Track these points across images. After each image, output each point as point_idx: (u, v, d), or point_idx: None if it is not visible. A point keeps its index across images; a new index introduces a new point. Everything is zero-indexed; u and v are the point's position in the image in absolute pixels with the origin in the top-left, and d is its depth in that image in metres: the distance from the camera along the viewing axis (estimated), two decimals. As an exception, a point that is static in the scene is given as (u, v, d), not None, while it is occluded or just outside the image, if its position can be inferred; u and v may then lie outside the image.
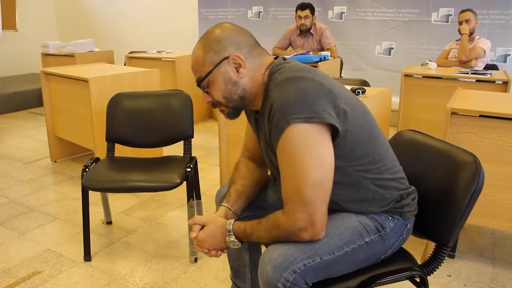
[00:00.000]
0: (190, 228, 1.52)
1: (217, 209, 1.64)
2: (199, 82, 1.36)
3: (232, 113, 1.41)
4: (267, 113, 1.28)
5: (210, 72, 1.33)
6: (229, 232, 1.36)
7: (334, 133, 1.25)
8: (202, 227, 1.43)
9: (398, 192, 1.40)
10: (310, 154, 1.20)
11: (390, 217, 1.40)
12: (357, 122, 1.29)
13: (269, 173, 1.67)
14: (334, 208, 1.36)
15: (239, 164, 1.63)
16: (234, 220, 1.39)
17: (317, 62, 4.10)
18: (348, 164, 1.30)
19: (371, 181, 1.35)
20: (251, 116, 1.51)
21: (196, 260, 2.37)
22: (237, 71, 1.33)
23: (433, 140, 1.60)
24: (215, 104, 1.40)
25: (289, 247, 1.25)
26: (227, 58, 1.32)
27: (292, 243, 1.25)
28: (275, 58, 1.39)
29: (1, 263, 2.36)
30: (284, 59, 1.39)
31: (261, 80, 1.35)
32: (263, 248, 1.59)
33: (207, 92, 1.38)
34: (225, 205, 1.50)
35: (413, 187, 1.47)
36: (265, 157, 1.47)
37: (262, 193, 1.63)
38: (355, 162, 1.31)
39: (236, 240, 1.36)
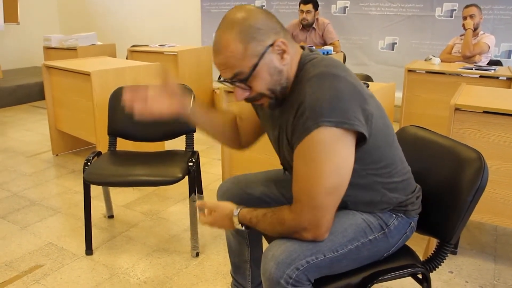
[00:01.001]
0: (197, 212, 1.49)
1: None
2: (243, 78, 1.21)
3: (274, 104, 1.30)
4: (294, 107, 1.21)
5: (256, 64, 1.20)
6: (235, 217, 1.36)
7: (360, 138, 1.22)
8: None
9: (405, 196, 1.39)
10: (332, 160, 1.17)
11: (394, 215, 1.39)
12: (378, 125, 1.26)
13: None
14: (341, 207, 1.34)
15: (231, 113, 1.60)
16: (241, 208, 1.36)
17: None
18: (362, 168, 1.27)
19: (381, 185, 1.34)
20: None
21: (197, 254, 2.37)
22: (282, 58, 1.23)
23: (437, 136, 1.59)
24: (253, 98, 1.28)
25: (292, 243, 1.24)
26: (271, 45, 1.20)
27: (296, 240, 1.25)
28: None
29: (3, 257, 2.37)
30: (310, 50, 1.32)
31: (295, 68, 1.27)
32: (264, 245, 1.59)
33: (243, 87, 1.25)
34: (192, 97, 1.47)
35: (418, 186, 1.46)
36: (277, 147, 1.42)
37: (265, 187, 1.62)
38: (370, 166, 1.29)
39: (242, 227, 1.36)
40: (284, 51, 1.22)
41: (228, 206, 1.39)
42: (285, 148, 1.33)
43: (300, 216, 1.21)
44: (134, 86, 1.38)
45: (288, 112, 1.26)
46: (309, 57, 1.27)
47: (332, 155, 1.16)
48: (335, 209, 1.23)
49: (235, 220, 1.35)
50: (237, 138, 1.59)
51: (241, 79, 1.22)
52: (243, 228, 1.36)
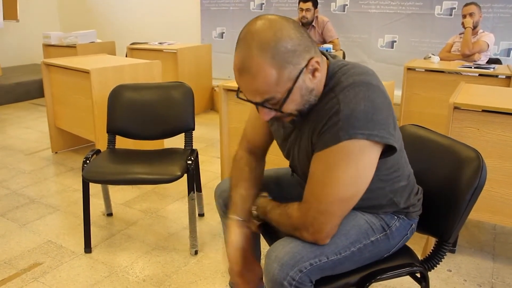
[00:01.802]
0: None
1: (217, 205, 1.63)
2: (277, 105, 1.16)
3: (297, 120, 1.27)
4: (327, 115, 1.16)
5: (291, 89, 1.13)
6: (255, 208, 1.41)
7: (387, 149, 1.20)
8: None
9: (408, 201, 1.39)
10: (354, 170, 1.15)
11: (396, 217, 1.39)
12: (397, 133, 1.25)
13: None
14: None
15: (240, 162, 1.53)
16: (263, 196, 1.42)
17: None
18: (376, 174, 1.24)
19: (389, 190, 1.34)
20: None
21: (196, 252, 2.37)
22: (313, 76, 1.16)
23: (436, 135, 1.59)
24: (279, 118, 1.23)
25: (296, 245, 1.24)
26: (305, 67, 1.14)
27: (299, 241, 1.24)
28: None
29: (2, 254, 2.37)
30: (333, 56, 1.28)
31: (324, 80, 1.21)
32: (263, 245, 1.59)
33: (274, 109, 1.18)
34: (235, 217, 1.42)
35: (420, 189, 1.47)
36: (289, 153, 1.39)
37: (263, 187, 1.61)
38: (383, 172, 1.29)
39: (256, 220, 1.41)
40: (316, 69, 1.16)
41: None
42: (301, 155, 1.30)
43: (305, 216, 1.21)
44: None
45: (314, 118, 1.21)
46: (338, 65, 1.23)
47: (354, 166, 1.15)
48: (342, 217, 1.23)
49: (255, 205, 1.41)
50: (262, 166, 1.57)
51: (272, 103, 1.16)
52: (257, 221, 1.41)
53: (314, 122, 1.21)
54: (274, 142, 1.53)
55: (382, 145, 1.18)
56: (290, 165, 1.51)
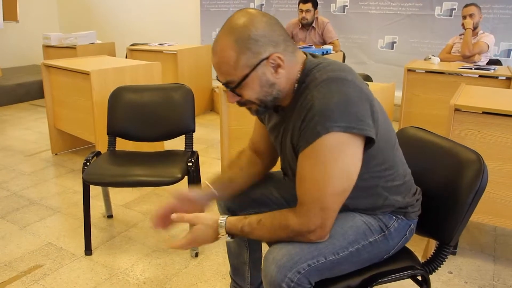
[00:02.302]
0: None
1: (218, 206, 1.63)
2: (233, 87, 1.23)
3: (261, 111, 1.31)
4: (302, 112, 1.20)
5: (247, 76, 1.20)
6: (221, 228, 1.31)
7: (367, 142, 1.22)
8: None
9: (406, 199, 1.39)
10: (341, 164, 1.17)
11: (394, 217, 1.39)
12: (382, 128, 1.26)
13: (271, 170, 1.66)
14: (341, 209, 1.34)
15: (242, 154, 1.60)
16: (226, 216, 1.33)
17: (319, 56, 4.07)
18: (366, 171, 1.27)
19: (383, 188, 1.34)
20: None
21: (197, 255, 2.37)
22: (276, 72, 1.22)
23: (437, 138, 1.59)
24: (243, 103, 1.30)
25: (293, 247, 1.24)
26: (266, 59, 1.20)
27: (297, 243, 1.25)
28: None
29: (2, 257, 2.37)
30: (314, 55, 1.31)
31: (295, 77, 1.26)
32: (264, 247, 1.59)
33: (236, 93, 1.26)
34: (209, 184, 1.48)
35: (418, 189, 1.46)
36: (279, 151, 1.43)
37: (265, 189, 1.62)
38: (373, 169, 1.30)
39: (229, 237, 1.32)
40: (278, 66, 1.22)
41: (210, 216, 1.34)
42: (288, 153, 1.33)
43: (307, 218, 1.21)
44: (156, 212, 1.43)
45: (294, 118, 1.25)
46: (314, 62, 1.26)
47: (341, 159, 1.17)
48: (338, 211, 1.24)
49: (222, 230, 1.31)
50: (261, 169, 1.59)
51: (231, 86, 1.24)
52: (229, 238, 1.32)
53: (293, 121, 1.26)
54: None
55: (362, 137, 1.19)
56: (281, 168, 1.53)
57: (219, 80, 1.27)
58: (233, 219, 1.32)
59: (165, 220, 1.45)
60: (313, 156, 1.18)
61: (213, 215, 1.36)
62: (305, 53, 1.32)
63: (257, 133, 1.58)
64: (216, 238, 1.33)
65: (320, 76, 1.21)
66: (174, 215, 1.36)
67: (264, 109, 1.29)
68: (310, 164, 1.19)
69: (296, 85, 1.27)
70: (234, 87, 1.23)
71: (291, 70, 1.25)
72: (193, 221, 1.35)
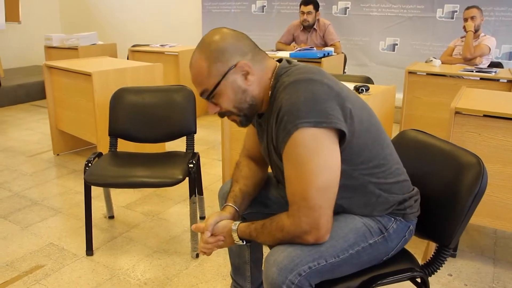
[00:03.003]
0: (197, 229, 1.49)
1: (220, 207, 1.64)
2: (208, 95, 1.31)
3: (244, 121, 1.37)
4: (274, 115, 1.26)
5: (218, 83, 1.29)
6: (234, 233, 1.37)
7: (341, 137, 1.24)
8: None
9: (402, 195, 1.40)
10: (317, 158, 1.19)
11: (393, 219, 1.40)
12: (362, 125, 1.29)
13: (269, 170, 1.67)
14: (338, 211, 1.36)
15: (240, 164, 1.62)
16: (239, 222, 1.38)
17: (320, 58, 4.09)
18: (353, 168, 1.29)
19: (375, 185, 1.35)
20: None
21: (197, 255, 2.38)
22: (246, 79, 1.30)
23: (437, 140, 1.59)
24: (223, 114, 1.36)
25: (294, 249, 1.25)
26: (234, 66, 1.28)
27: (298, 245, 1.25)
28: (279, 61, 1.38)
29: (4, 257, 2.38)
30: (289, 62, 1.37)
31: (267, 84, 1.33)
32: (265, 246, 1.60)
33: (214, 103, 1.34)
34: (232, 205, 1.49)
35: (416, 189, 1.47)
36: (268, 159, 1.46)
37: (265, 190, 1.63)
38: (360, 166, 1.31)
39: (241, 242, 1.38)
40: (247, 72, 1.29)
41: (225, 224, 1.41)
42: (274, 158, 1.37)
43: (297, 219, 1.22)
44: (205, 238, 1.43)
45: (269, 122, 1.32)
46: (285, 69, 1.32)
47: (316, 154, 1.19)
48: (331, 208, 1.24)
49: (235, 235, 1.37)
50: (263, 173, 1.62)
51: (206, 96, 1.31)
52: (244, 243, 1.38)
53: (270, 126, 1.32)
54: None
55: (333, 130, 1.21)
56: (274, 176, 1.57)
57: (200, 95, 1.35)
58: (242, 225, 1.37)
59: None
60: (290, 155, 1.22)
61: (227, 222, 1.42)
62: (278, 61, 1.38)
63: (250, 139, 1.62)
64: (233, 242, 1.40)
65: (288, 79, 1.26)
66: (193, 226, 1.49)
67: (245, 118, 1.36)
68: (289, 164, 1.23)
69: (270, 92, 1.32)
70: (208, 95, 1.31)
71: (261, 77, 1.32)
72: (215, 230, 1.42)
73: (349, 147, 1.26)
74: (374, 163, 1.33)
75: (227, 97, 1.31)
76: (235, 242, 1.39)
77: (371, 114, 1.36)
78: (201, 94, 1.32)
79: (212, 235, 1.41)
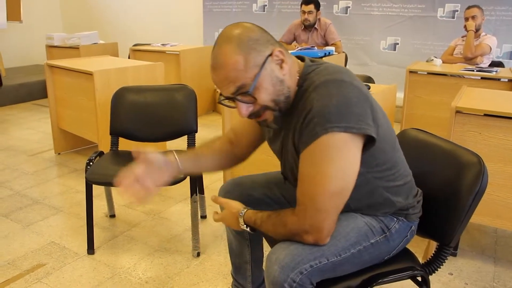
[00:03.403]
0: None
1: (220, 208, 1.64)
2: (248, 90, 1.20)
3: (278, 118, 1.30)
4: (302, 115, 1.21)
5: (258, 74, 1.20)
6: (241, 218, 1.39)
7: (368, 141, 1.23)
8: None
9: (406, 199, 1.40)
10: (338, 163, 1.18)
11: (395, 219, 1.40)
12: (383, 128, 1.27)
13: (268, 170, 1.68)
14: (344, 210, 1.35)
15: (217, 139, 1.60)
16: (247, 209, 1.40)
17: (321, 57, 4.09)
18: (367, 171, 1.28)
19: (384, 188, 1.35)
20: None
21: (198, 254, 2.38)
22: (281, 68, 1.24)
23: (437, 140, 1.59)
24: (258, 112, 1.26)
25: (296, 247, 1.25)
26: (270, 55, 1.22)
27: (300, 244, 1.25)
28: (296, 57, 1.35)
29: (6, 255, 2.38)
30: (311, 60, 1.33)
31: (296, 78, 1.28)
32: (265, 246, 1.60)
33: (246, 101, 1.23)
34: (175, 154, 1.46)
35: (420, 191, 1.48)
36: (280, 156, 1.43)
37: (266, 188, 1.63)
38: (375, 169, 1.30)
39: (246, 228, 1.39)
40: (282, 61, 1.24)
41: (236, 205, 1.44)
42: (290, 156, 1.34)
43: (302, 218, 1.22)
44: (121, 174, 1.37)
45: (294, 121, 1.26)
46: (312, 67, 1.28)
47: (338, 159, 1.18)
48: (338, 213, 1.24)
49: (241, 220, 1.39)
50: (231, 160, 1.60)
51: (245, 91, 1.21)
52: (248, 229, 1.38)
53: (294, 124, 1.27)
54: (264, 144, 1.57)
55: (361, 136, 1.20)
56: (282, 172, 1.54)
57: (226, 98, 1.26)
58: (250, 212, 1.38)
59: (128, 183, 1.36)
60: (311, 156, 1.20)
61: (238, 204, 1.45)
62: (303, 57, 1.34)
63: (242, 126, 1.58)
64: (238, 226, 1.41)
65: (318, 79, 1.22)
66: (212, 196, 1.53)
67: (279, 113, 1.28)
68: (308, 164, 1.21)
69: (296, 87, 1.28)
70: (248, 89, 1.21)
71: (292, 68, 1.27)
72: (223, 205, 1.49)
73: (369, 150, 1.25)
74: (387, 165, 1.33)
75: (266, 90, 1.22)
76: (240, 226, 1.40)
77: (385, 116, 1.33)
78: (235, 92, 1.22)
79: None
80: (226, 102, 1.29)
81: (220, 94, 1.28)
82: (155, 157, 1.38)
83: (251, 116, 1.27)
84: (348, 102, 1.17)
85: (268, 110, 1.26)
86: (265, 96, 1.23)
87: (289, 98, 1.27)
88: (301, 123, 1.22)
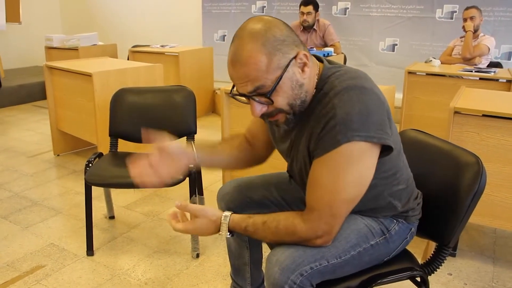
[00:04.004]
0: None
1: (219, 208, 1.64)
2: (267, 92, 1.17)
3: (291, 120, 1.26)
4: (322, 120, 1.18)
5: (281, 77, 1.16)
6: (224, 226, 1.30)
7: (384, 149, 1.22)
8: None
9: (407, 205, 1.41)
10: (356, 172, 1.18)
11: (395, 221, 1.41)
12: (394, 135, 1.27)
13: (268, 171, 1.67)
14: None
15: (236, 136, 1.58)
16: (230, 213, 1.31)
17: (320, 58, 4.08)
18: (375, 176, 1.26)
19: (388, 192, 1.35)
20: None
21: (198, 256, 2.38)
22: (303, 71, 1.20)
23: (436, 140, 1.60)
24: (271, 113, 1.23)
25: (296, 249, 1.25)
26: (294, 58, 1.18)
27: (300, 246, 1.25)
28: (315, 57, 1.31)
29: (5, 257, 2.38)
30: (329, 61, 1.31)
31: (314, 81, 1.25)
32: (264, 248, 1.60)
33: (262, 102, 1.20)
34: (193, 146, 1.42)
35: (420, 193, 1.48)
36: (288, 156, 1.41)
37: (266, 191, 1.63)
38: (382, 174, 1.31)
39: (229, 235, 1.32)
40: (305, 64, 1.20)
41: (215, 212, 1.33)
42: (301, 158, 1.32)
43: (317, 225, 1.22)
44: (135, 155, 1.34)
45: (311, 124, 1.24)
46: (332, 69, 1.26)
47: (357, 167, 1.18)
48: (345, 217, 1.26)
49: (224, 226, 1.30)
50: (249, 159, 1.58)
51: (263, 92, 1.17)
52: (229, 235, 1.31)
53: (311, 128, 1.24)
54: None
55: (379, 145, 1.20)
56: (288, 171, 1.52)
57: (238, 95, 1.22)
58: (237, 217, 1.30)
59: (142, 171, 1.31)
60: (330, 163, 1.18)
61: (217, 210, 1.35)
62: (320, 57, 1.31)
63: (256, 126, 1.55)
64: (215, 233, 1.32)
65: (339, 84, 1.20)
66: (178, 203, 1.33)
67: (293, 116, 1.25)
68: (326, 171, 1.19)
69: (314, 90, 1.25)
70: (267, 91, 1.17)
71: (312, 71, 1.24)
72: (196, 213, 1.32)
73: (381, 158, 1.24)
74: (392, 171, 1.33)
75: (285, 93, 1.19)
76: (219, 232, 1.30)
77: (392, 121, 1.31)
78: (252, 92, 1.17)
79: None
80: (239, 97, 1.24)
81: (233, 87, 1.24)
82: (172, 146, 1.34)
83: (263, 116, 1.25)
84: (369, 110, 1.16)
85: (282, 113, 1.23)
86: (282, 100, 1.20)
87: (305, 102, 1.24)
88: (322, 129, 1.18)
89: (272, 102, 1.19)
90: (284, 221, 1.25)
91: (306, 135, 1.26)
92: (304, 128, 1.27)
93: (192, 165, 1.39)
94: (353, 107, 1.15)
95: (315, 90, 1.25)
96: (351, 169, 1.17)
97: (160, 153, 1.32)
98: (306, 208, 1.24)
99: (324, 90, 1.22)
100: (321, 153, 1.19)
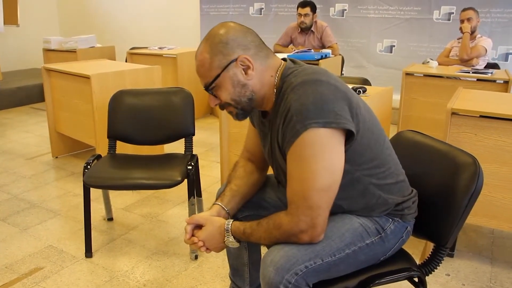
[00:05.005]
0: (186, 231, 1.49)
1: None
2: (207, 87, 1.34)
3: (241, 114, 1.39)
4: (282, 116, 1.27)
5: (218, 76, 1.31)
6: (228, 232, 1.37)
7: (348, 136, 1.26)
8: (199, 227, 1.45)
9: (401, 197, 1.41)
10: (323, 159, 1.20)
11: (391, 220, 1.41)
12: (366, 125, 1.30)
13: (269, 173, 1.68)
14: (338, 211, 1.37)
15: (237, 165, 1.63)
16: (232, 220, 1.39)
17: (318, 60, 4.10)
18: (355, 168, 1.31)
19: (376, 186, 1.36)
20: (256, 118, 1.51)
21: (196, 257, 2.38)
22: (246, 73, 1.31)
23: (433, 141, 1.61)
24: (223, 106, 1.38)
25: (291, 248, 1.26)
26: (235, 60, 1.30)
27: (294, 245, 1.26)
28: (283, 60, 1.39)
29: (3, 259, 2.38)
30: (294, 61, 1.38)
31: (270, 82, 1.34)
32: (263, 249, 1.61)
33: (214, 95, 1.36)
34: (219, 203, 1.51)
35: (414, 191, 1.49)
36: (270, 159, 1.47)
37: (262, 192, 1.64)
38: (362, 166, 1.32)
39: (234, 240, 1.38)
40: (248, 67, 1.31)
41: (219, 220, 1.42)
42: (278, 158, 1.38)
43: (296, 217, 1.23)
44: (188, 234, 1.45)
45: (276, 122, 1.32)
46: (291, 69, 1.33)
47: (322, 155, 1.20)
48: (329, 209, 1.26)
49: (228, 234, 1.37)
50: (259, 174, 1.62)
51: (206, 87, 1.34)
52: (236, 242, 1.38)
53: (277, 125, 1.32)
54: None
55: (341, 131, 1.23)
56: (275, 176, 1.56)
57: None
58: (237, 222, 1.38)
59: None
60: (296, 154, 1.23)
61: (220, 218, 1.44)
62: (285, 60, 1.39)
63: (251, 140, 1.62)
64: (223, 241, 1.39)
65: (295, 80, 1.27)
66: (187, 219, 1.48)
67: (242, 111, 1.37)
68: (294, 163, 1.24)
69: (275, 90, 1.34)
70: (208, 86, 1.33)
71: (263, 74, 1.33)
72: (203, 222, 1.44)
73: (353, 147, 1.28)
74: (374, 163, 1.34)
75: (226, 89, 1.33)
76: (225, 241, 1.38)
77: (372, 115, 1.38)
78: (203, 86, 1.35)
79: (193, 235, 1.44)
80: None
81: None
82: (203, 217, 1.45)
83: (220, 107, 1.40)
84: (325, 99, 1.21)
85: (230, 106, 1.37)
86: (226, 96, 1.34)
87: (253, 100, 1.35)
88: (283, 124, 1.27)
89: (215, 95, 1.35)
90: (273, 217, 1.30)
91: (275, 135, 1.34)
92: (274, 129, 1.35)
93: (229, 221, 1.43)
94: (308, 98, 1.21)
95: (275, 90, 1.34)
96: (316, 157, 1.20)
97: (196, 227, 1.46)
98: (288, 202, 1.27)
99: (283, 88, 1.31)
100: (287, 147, 1.25)
